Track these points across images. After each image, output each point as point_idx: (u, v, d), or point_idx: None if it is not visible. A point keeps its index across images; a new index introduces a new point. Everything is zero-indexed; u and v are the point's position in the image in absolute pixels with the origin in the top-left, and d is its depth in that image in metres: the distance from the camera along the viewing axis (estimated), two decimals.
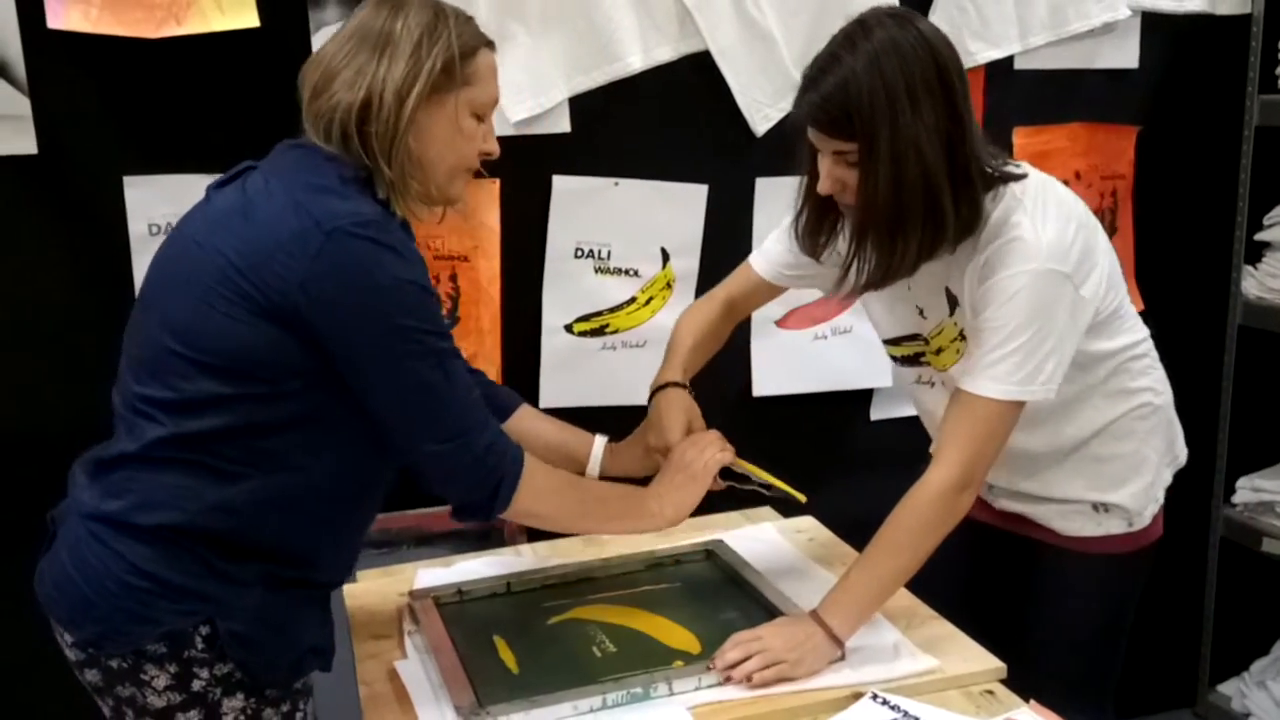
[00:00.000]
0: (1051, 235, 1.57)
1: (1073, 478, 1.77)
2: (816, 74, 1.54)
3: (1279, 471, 2.83)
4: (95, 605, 1.39)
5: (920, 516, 1.60)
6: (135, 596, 1.37)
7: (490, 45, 1.51)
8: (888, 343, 1.83)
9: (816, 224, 1.70)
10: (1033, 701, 1.50)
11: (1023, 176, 1.62)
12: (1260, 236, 2.76)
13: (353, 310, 1.35)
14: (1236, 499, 2.83)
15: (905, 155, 1.50)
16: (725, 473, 1.74)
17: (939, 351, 1.73)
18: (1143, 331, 1.78)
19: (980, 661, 1.60)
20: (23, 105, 1.96)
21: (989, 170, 1.60)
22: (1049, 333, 1.56)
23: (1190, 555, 2.90)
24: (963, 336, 1.68)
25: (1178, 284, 2.76)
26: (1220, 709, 2.94)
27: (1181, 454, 1.89)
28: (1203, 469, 2.84)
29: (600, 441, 1.83)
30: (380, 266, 1.36)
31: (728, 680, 1.54)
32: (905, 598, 1.78)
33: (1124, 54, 2.61)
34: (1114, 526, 1.79)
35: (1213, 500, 2.87)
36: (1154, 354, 1.80)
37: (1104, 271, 1.64)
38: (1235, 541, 2.83)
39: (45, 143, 1.99)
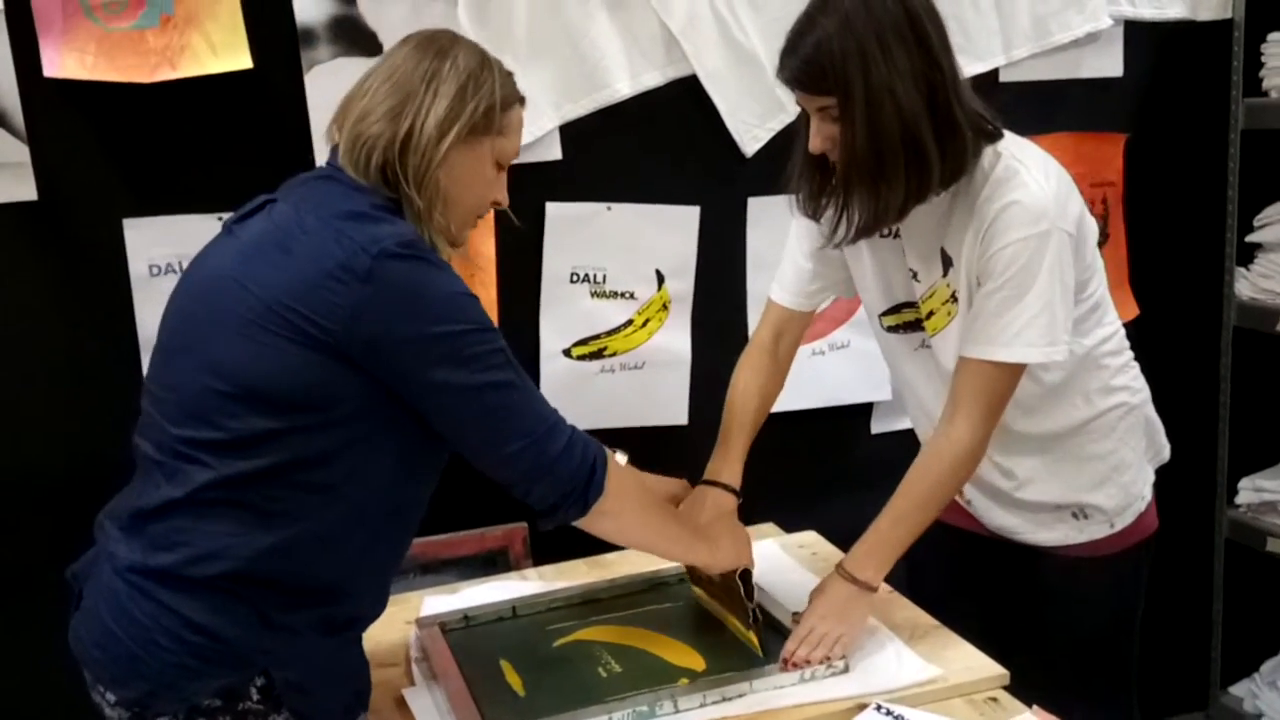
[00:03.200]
0: (1052, 194, 1.59)
1: (1050, 480, 1.79)
2: (795, 38, 1.58)
3: None
4: (144, 662, 1.35)
5: (944, 474, 1.66)
6: (190, 651, 1.35)
7: (523, 101, 1.55)
8: (884, 314, 1.83)
9: (813, 185, 1.71)
10: (1035, 707, 1.51)
11: (1001, 135, 1.64)
12: (1251, 238, 2.77)
13: (413, 328, 1.36)
14: (1239, 500, 2.83)
15: (880, 101, 1.53)
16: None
17: (930, 315, 1.74)
18: (1118, 325, 1.79)
19: (983, 669, 1.61)
20: (22, 153, 1.98)
21: (981, 116, 1.62)
22: (1056, 292, 1.59)
23: (1195, 557, 2.90)
24: (954, 299, 1.68)
25: (1171, 288, 2.77)
26: (1233, 711, 2.93)
27: (1164, 449, 1.90)
28: (1204, 471, 2.85)
29: (622, 457, 1.75)
30: (431, 281, 1.38)
31: (793, 666, 1.61)
32: (908, 608, 1.80)
33: (1108, 63, 2.63)
34: (1096, 531, 1.81)
35: (1216, 502, 2.87)
36: (1129, 351, 1.81)
37: (1090, 228, 1.68)
38: (1239, 542, 2.83)
39: (45, 189, 2.01)
